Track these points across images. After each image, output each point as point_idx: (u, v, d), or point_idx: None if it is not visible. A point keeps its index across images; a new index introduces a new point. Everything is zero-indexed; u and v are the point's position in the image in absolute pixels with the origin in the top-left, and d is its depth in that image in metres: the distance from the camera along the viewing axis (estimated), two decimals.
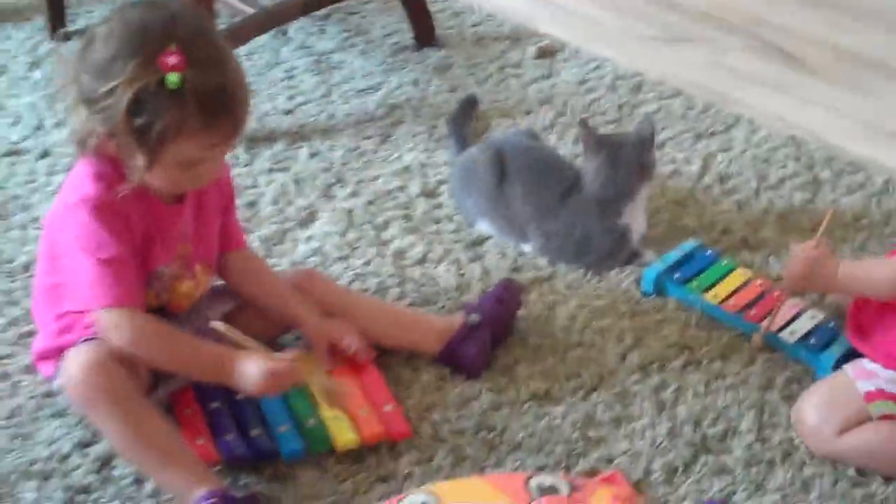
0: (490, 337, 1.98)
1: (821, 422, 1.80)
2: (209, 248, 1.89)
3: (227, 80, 1.67)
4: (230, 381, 1.74)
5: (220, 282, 1.96)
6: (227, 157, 1.78)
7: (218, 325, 1.73)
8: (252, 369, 1.70)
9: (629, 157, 2.17)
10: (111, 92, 1.62)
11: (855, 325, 1.91)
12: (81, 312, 1.77)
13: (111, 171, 1.71)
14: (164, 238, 1.78)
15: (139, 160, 1.65)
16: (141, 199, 1.73)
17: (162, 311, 1.82)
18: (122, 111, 1.61)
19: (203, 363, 1.74)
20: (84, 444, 1.80)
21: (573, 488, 1.68)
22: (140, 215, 1.74)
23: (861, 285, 1.87)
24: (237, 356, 1.72)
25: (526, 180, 2.25)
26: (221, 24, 2.74)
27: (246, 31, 2.64)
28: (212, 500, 1.63)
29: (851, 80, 2.86)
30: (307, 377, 1.82)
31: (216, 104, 1.65)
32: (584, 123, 2.22)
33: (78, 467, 1.76)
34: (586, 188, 2.20)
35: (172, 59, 1.60)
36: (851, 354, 1.90)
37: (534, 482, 1.68)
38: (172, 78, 1.60)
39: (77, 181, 1.74)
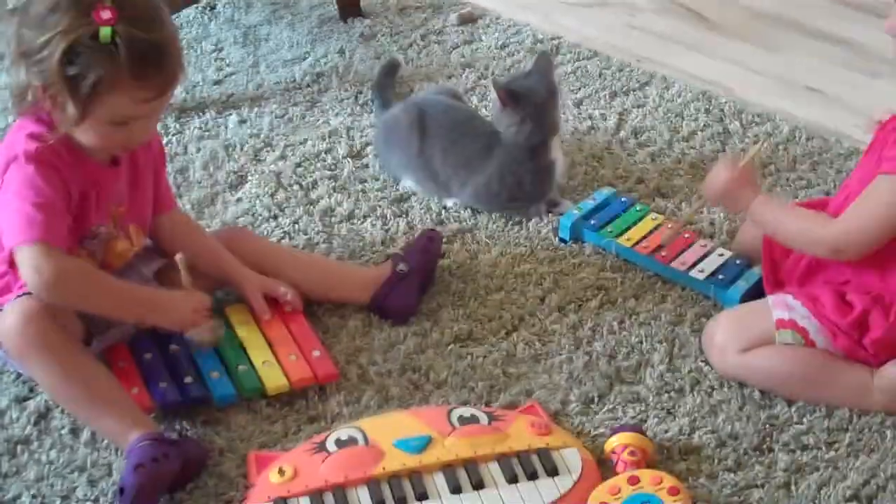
0: (417, 285, 2.06)
1: (727, 339, 1.89)
2: (142, 209, 1.95)
3: (159, 36, 1.73)
4: (156, 317, 1.85)
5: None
6: (158, 126, 1.85)
7: (180, 258, 1.87)
8: (180, 302, 1.83)
9: (541, 94, 2.26)
10: (47, 43, 1.68)
11: (774, 280, 1.98)
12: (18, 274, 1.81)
13: (49, 131, 1.76)
14: (100, 198, 1.84)
15: (71, 113, 1.71)
16: (79, 160, 1.80)
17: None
18: (56, 62, 1.68)
19: (127, 300, 1.83)
20: (21, 399, 1.85)
21: (493, 418, 1.77)
22: (78, 175, 1.79)
23: (769, 226, 1.93)
24: (164, 291, 1.85)
25: (446, 138, 2.32)
26: None
27: (174, 3, 2.69)
28: (146, 442, 1.69)
29: (763, 37, 2.95)
30: (240, 326, 1.92)
31: (148, 59, 1.71)
32: (496, 82, 2.30)
33: (16, 421, 1.82)
34: (510, 137, 2.27)
35: (106, 14, 1.67)
36: (758, 290, 2.00)
37: (455, 413, 1.77)
38: (105, 31, 1.67)
39: (15, 140, 1.79)
